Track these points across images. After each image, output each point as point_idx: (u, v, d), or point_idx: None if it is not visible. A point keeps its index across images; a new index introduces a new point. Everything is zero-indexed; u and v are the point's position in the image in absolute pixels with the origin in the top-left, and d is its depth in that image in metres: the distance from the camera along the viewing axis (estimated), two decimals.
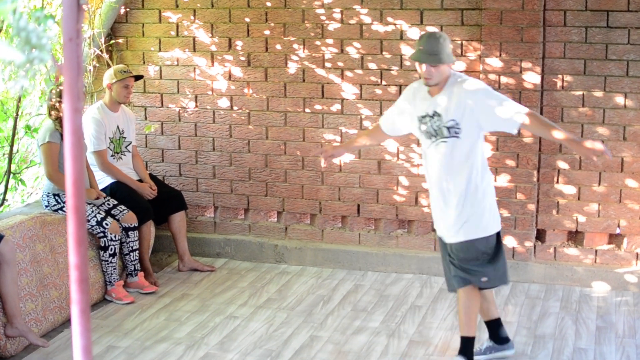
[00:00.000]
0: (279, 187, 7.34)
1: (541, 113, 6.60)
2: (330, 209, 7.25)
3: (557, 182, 6.68)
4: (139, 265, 6.66)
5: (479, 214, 4.88)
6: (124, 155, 6.86)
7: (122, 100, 6.75)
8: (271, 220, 7.49)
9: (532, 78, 6.54)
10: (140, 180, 6.89)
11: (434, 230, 6.93)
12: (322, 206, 7.27)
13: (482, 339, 5.43)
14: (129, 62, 7.48)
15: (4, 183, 7.07)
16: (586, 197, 6.66)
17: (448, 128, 4.81)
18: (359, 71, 6.99)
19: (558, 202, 6.71)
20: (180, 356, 5.43)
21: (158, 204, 6.88)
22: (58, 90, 6.11)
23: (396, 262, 7.04)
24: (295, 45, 7.11)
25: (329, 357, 5.41)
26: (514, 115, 4.74)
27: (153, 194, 6.84)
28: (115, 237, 6.35)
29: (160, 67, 7.47)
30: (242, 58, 7.26)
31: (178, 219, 7.04)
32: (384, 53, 6.91)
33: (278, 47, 7.16)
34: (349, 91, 7.04)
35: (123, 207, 6.53)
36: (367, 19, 6.91)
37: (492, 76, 6.57)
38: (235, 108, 7.35)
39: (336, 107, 7.09)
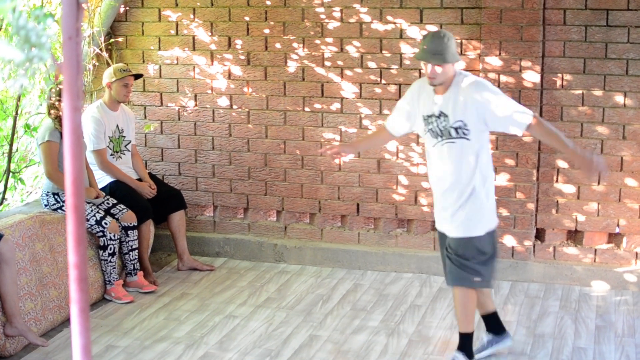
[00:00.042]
0: (279, 186, 7.33)
1: (541, 112, 6.60)
2: (329, 208, 7.25)
3: (557, 181, 6.68)
4: (138, 264, 6.66)
5: (481, 212, 4.89)
6: (124, 154, 6.86)
7: (122, 99, 6.75)
8: (270, 220, 7.49)
9: (531, 77, 6.54)
10: (140, 180, 6.89)
11: (433, 229, 6.95)
12: (321, 205, 7.26)
13: (481, 335, 5.42)
14: (128, 61, 7.48)
15: (3, 182, 7.06)
16: (585, 196, 6.66)
17: (455, 129, 4.80)
18: (359, 70, 6.99)
19: (557, 201, 6.71)
20: (180, 355, 5.43)
21: (157, 203, 6.88)
22: (57, 89, 6.11)
23: (395, 262, 7.04)
24: (295, 44, 7.11)
25: (328, 357, 5.40)
26: (520, 117, 4.75)
27: (152, 193, 6.84)
28: (114, 236, 6.35)
29: (160, 66, 7.47)
30: (242, 57, 7.25)
31: (177, 218, 7.03)
32: (383, 52, 6.91)
33: (278, 46, 7.15)
34: (349, 90, 7.03)
35: (122, 206, 6.53)
36: (366, 18, 6.91)
37: (492, 75, 6.56)
38: (234, 107, 7.35)
39: (336, 106, 7.08)
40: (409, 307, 6.26)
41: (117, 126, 6.79)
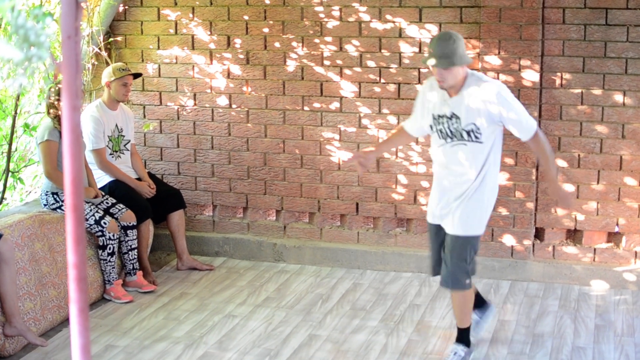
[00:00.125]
0: (278, 185, 7.33)
1: (540, 111, 6.60)
2: (329, 207, 7.24)
3: None
4: (137, 264, 6.66)
5: (482, 210, 4.90)
6: (123, 153, 6.85)
7: (121, 99, 6.74)
8: (270, 219, 7.49)
9: (531, 76, 6.54)
10: (139, 179, 6.88)
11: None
12: (320, 205, 7.26)
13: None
14: (127, 60, 7.48)
15: (2, 181, 7.06)
16: (585, 195, 6.66)
17: (467, 132, 4.77)
18: (358, 69, 6.98)
19: (557, 201, 6.70)
20: (179, 355, 5.43)
21: (157, 203, 6.87)
22: (57, 88, 6.11)
23: (395, 261, 7.03)
24: (294, 43, 7.10)
25: (328, 356, 5.40)
26: (529, 124, 4.77)
27: (152, 193, 6.83)
28: (113, 236, 6.34)
29: (159, 65, 7.46)
30: (241, 56, 7.25)
31: (177, 218, 7.03)
32: (382, 51, 6.90)
33: (277, 45, 7.15)
34: (348, 89, 7.03)
35: (122, 205, 6.53)
36: (365, 17, 6.90)
37: (491, 74, 6.56)
38: (234, 106, 7.34)
39: (335, 105, 7.08)
40: (408, 307, 6.25)
41: (117, 125, 6.79)
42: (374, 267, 7.09)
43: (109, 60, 7.29)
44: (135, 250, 6.61)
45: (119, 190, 6.66)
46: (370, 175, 7.08)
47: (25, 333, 5.34)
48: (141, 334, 5.78)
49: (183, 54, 7.38)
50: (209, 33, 7.30)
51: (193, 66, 7.38)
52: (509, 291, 6.53)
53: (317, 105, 7.13)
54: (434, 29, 6.75)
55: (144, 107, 7.57)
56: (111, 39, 7.46)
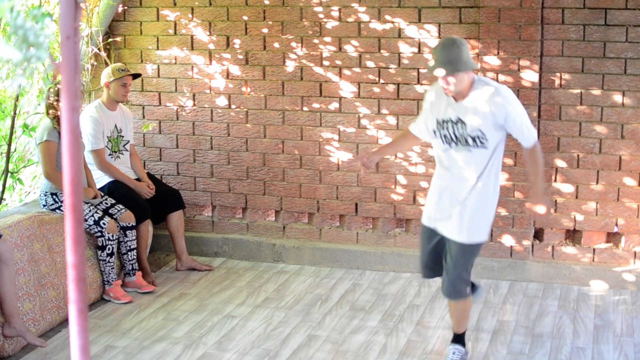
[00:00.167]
0: (277, 186, 7.33)
1: (539, 111, 6.60)
2: (328, 207, 7.24)
3: (555, 180, 6.68)
4: (136, 264, 6.66)
5: (486, 217, 4.87)
6: (122, 154, 6.85)
7: (120, 99, 6.74)
8: (269, 219, 7.49)
9: (530, 76, 6.54)
10: (138, 179, 6.88)
11: None
12: (320, 205, 7.26)
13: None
14: (126, 61, 7.47)
15: (1, 182, 7.05)
16: (584, 195, 6.66)
17: (473, 137, 4.72)
18: (357, 69, 6.98)
19: (556, 201, 6.71)
20: (178, 356, 5.43)
21: (156, 203, 6.87)
22: (56, 88, 6.11)
23: (394, 261, 7.03)
24: (293, 44, 7.10)
25: (327, 357, 5.40)
26: (531, 133, 4.76)
27: (151, 193, 6.83)
28: (112, 236, 6.34)
29: (158, 66, 7.46)
30: (240, 56, 7.25)
31: (176, 218, 7.03)
32: (382, 51, 6.90)
33: (276, 45, 7.15)
34: (347, 89, 7.03)
35: (121, 206, 6.53)
36: (365, 17, 6.90)
37: (490, 74, 6.56)
38: (233, 106, 7.34)
39: (334, 105, 7.08)
40: (408, 307, 6.25)
41: (116, 126, 6.79)
42: (373, 268, 7.08)
43: (108, 60, 7.29)
44: (135, 250, 6.61)
45: (118, 190, 6.66)
46: (370, 176, 7.08)
47: (24, 334, 5.34)
48: (140, 335, 5.78)
49: (182, 55, 7.38)
50: (208, 33, 7.29)
51: (192, 66, 7.38)
52: (508, 291, 6.54)
53: (316, 105, 7.13)
54: (433, 30, 6.75)
55: (143, 108, 7.57)
56: (110, 40, 7.46)
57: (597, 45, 6.47)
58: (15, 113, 6.98)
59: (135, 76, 6.85)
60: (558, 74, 6.57)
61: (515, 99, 4.77)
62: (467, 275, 4.96)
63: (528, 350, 5.48)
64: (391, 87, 6.93)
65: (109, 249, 6.35)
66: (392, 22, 6.85)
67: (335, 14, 6.97)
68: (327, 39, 7.01)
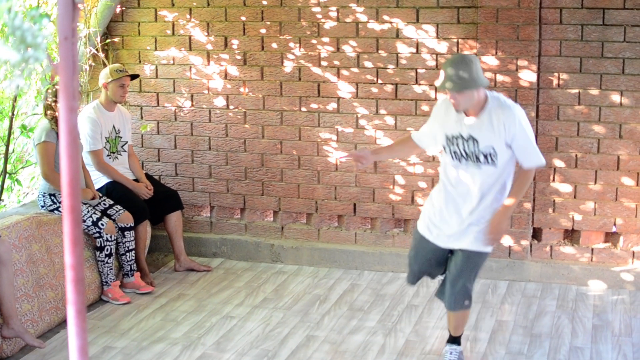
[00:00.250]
0: (275, 186, 7.33)
1: (537, 111, 6.61)
2: (326, 208, 7.24)
3: (553, 180, 6.68)
4: (135, 265, 6.66)
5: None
6: (120, 155, 6.85)
7: (118, 100, 6.74)
8: (267, 220, 7.48)
9: (528, 76, 6.54)
10: (137, 180, 6.88)
11: None
12: (318, 205, 7.26)
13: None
14: (124, 61, 7.47)
15: (0, 183, 7.05)
16: (582, 195, 6.66)
17: (485, 155, 4.67)
18: (355, 70, 6.98)
19: (554, 201, 6.71)
20: (177, 356, 5.42)
21: (154, 204, 6.87)
22: (54, 89, 6.10)
23: (392, 262, 7.03)
24: (291, 44, 7.10)
25: (326, 357, 5.40)
26: (535, 158, 4.72)
27: (149, 194, 6.83)
28: (111, 237, 6.34)
29: (156, 66, 7.46)
30: (238, 57, 7.25)
31: (174, 219, 7.03)
32: (380, 51, 6.90)
33: (274, 45, 7.15)
34: (345, 90, 7.03)
35: (119, 207, 6.52)
36: (363, 17, 6.90)
37: (488, 74, 6.56)
38: (231, 107, 7.34)
39: (332, 105, 7.08)
40: (406, 307, 6.26)
41: (114, 127, 6.78)
42: (371, 268, 7.08)
43: (106, 61, 7.29)
44: (133, 251, 6.61)
45: (116, 191, 6.66)
46: (368, 176, 7.08)
47: (22, 335, 5.33)
48: (139, 335, 5.77)
49: (180, 55, 7.38)
50: (206, 34, 7.29)
51: (190, 67, 7.37)
52: (507, 291, 6.54)
53: (314, 106, 7.13)
54: (431, 30, 6.76)
55: (141, 108, 7.56)
56: (108, 40, 7.45)
57: (595, 45, 6.47)
58: (13, 114, 6.97)
59: (134, 77, 6.85)
60: (556, 74, 6.57)
61: (526, 120, 4.71)
62: (471, 287, 4.94)
63: (526, 350, 5.48)
64: (389, 88, 6.93)
65: (107, 250, 6.34)
66: (390, 23, 6.85)
67: (333, 14, 6.97)
68: (325, 39, 7.02)
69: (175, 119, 7.48)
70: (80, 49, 7.13)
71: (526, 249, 6.76)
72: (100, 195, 6.52)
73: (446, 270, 5.03)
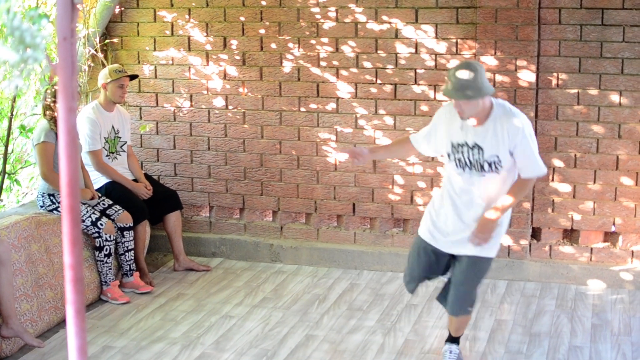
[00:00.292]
0: (274, 186, 7.33)
1: (536, 111, 6.61)
2: (325, 208, 7.24)
3: (552, 180, 6.69)
4: (134, 265, 6.66)
5: (498, 235, 4.83)
6: (119, 155, 6.85)
7: (117, 100, 6.74)
8: (266, 220, 7.49)
9: (527, 76, 6.54)
10: (136, 180, 6.88)
11: None
12: (317, 205, 7.26)
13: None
14: (123, 62, 7.47)
15: None
16: (581, 195, 6.66)
17: (489, 163, 4.65)
18: (354, 70, 6.99)
19: (553, 200, 6.72)
20: (176, 356, 5.43)
21: (153, 204, 6.87)
22: (53, 90, 6.10)
23: (392, 261, 7.04)
24: (290, 44, 7.11)
25: (325, 356, 5.40)
26: (534, 169, 4.69)
27: (148, 194, 6.83)
28: (110, 237, 6.34)
29: (155, 67, 7.46)
30: (237, 57, 7.25)
31: (173, 219, 7.03)
32: (379, 52, 6.91)
33: (273, 46, 7.15)
34: (344, 90, 7.03)
35: (118, 207, 6.53)
36: (362, 18, 6.91)
37: (487, 74, 6.55)
38: (230, 107, 7.34)
39: (331, 106, 7.08)
40: (405, 307, 6.26)
41: (113, 127, 6.79)
42: (370, 268, 7.09)
43: (105, 61, 7.29)
44: (132, 251, 6.61)
45: (115, 191, 6.66)
46: (367, 176, 7.09)
47: (22, 334, 5.34)
48: (138, 335, 5.78)
49: (179, 56, 7.38)
50: (205, 34, 7.30)
51: (189, 67, 7.38)
52: (506, 291, 6.54)
53: (313, 106, 7.13)
54: (430, 30, 6.76)
55: (140, 109, 7.56)
56: (107, 41, 7.45)
57: (594, 45, 6.47)
58: (12, 114, 6.98)
59: (133, 77, 6.85)
60: (555, 74, 6.58)
61: (531, 129, 4.69)
62: (475, 293, 4.94)
63: (526, 349, 5.48)
64: (388, 88, 6.93)
65: (106, 250, 6.35)
66: (389, 23, 6.85)
67: (332, 14, 6.97)
68: (324, 40, 7.02)
69: (175, 119, 7.49)
70: (79, 50, 7.13)
71: (525, 249, 6.77)
72: (100, 195, 6.52)
73: (448, 275, 5.01)
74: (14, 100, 7.01)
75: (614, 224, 6.63)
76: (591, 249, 6.70)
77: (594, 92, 6.52)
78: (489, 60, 6.59)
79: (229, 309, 6.25)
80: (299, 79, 7.13)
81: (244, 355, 5.42)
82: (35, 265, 5.79)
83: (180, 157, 7.53)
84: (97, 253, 6.36)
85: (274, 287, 6.74)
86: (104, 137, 6.71)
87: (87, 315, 5.92)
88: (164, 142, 7.54)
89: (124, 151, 6.89)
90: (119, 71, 6.69)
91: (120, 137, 6.84)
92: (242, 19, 7.19)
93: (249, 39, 7.20)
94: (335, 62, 7.02)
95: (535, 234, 6.85)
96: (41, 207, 6.30)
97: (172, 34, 7.37)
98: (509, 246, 6.77)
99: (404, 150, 5.27)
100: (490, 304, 6.27)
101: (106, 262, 6.38)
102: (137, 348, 5.56)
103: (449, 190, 4.86)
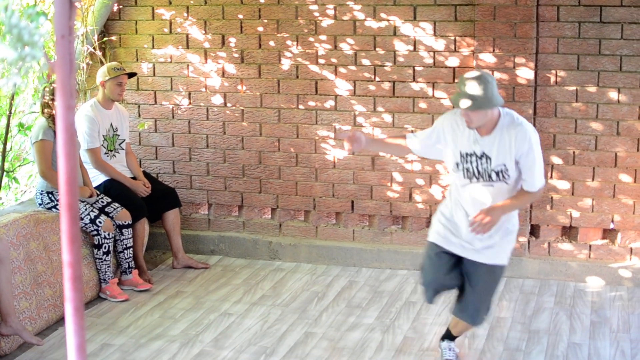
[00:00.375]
0: (273, 183, 7.33)
1: (535, 109, 6.61)
2: (324, 205, 7.25)
3: (551, 177, 6.69)
4: (133, 262, 6.66)
5: (510, 243, 4.82)
6: (118, 152, 6.85)
7: (116, 98, 6.74)
8: (265, 217, 7.49)
9: (525, 73, 6.54)
10: (134, 178, 6.88)
11: (428, 226, 6.95)
12: (316, 203, 7.26)
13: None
14: (122, 60, 7.47)
15: None
16: (580, 192, 6.67)
17: (497, 172, 4.64)
18: (353, 67, 6.99)
19: (552, 198, 6.72)
20: (175, 354, 5.43)
21: (152, 202, 6.87)
22: (51, 87, 6.10)
23: (390, 258, 7.04)
24: (289, 42, 7.10)
25: (324, 354, 5.41)
26: (538, 182, 4.66)
27: (147, 192, 6.83)
28: (108, 235, 6.34)
29: (154, 64, 7.46)
30: (236, 55, 7.25)
31: (172, 217, 7.03)
32: (377, 49, 6.91)
33: (271, 43, 7.15)
34: (343, 87, 7.03)
35: (117, 204, 6.52)
36: (360, 15, 6.91)
37: (486, 71, 6.56)
38: (228, 105, 7.34)
39: (330, 103, 7.08)
40: (404, 304, 6.26)
41: (111, 125, 6.79)
42: (369, 265, 7.09)
43: (103, 59, 7.29)
44: (131, 249, 6.61)
45: (114, 189, 6.66)
46: (366, 173, 7.09)
47: (21, 332, 5.34)
48: (137, 333, 5.78)
49: (178, 53, 7.38)
50: (203, 32, 7.29)
51: (188, 65, 7.37)
52: (505, 288, 6.54)
53: (312, 103, 7.13)
54: (428, 27, 6.76)
55: (139, 106, 7.56)
56: (105, 38, 7.45)
57: (592, 42, 6.47)
58: (10, 112, 6.97)
59: (131, 75, 6.85)
60: (553, 72, 6.58)
61: (537, 140, 4.66)
62: (492, 301, 4.94)
63: (525, 346, 5.48)
64: (387, 85, 6.93)
65: (105, 248, 6.35)
66: (388, 20, 6.85)
67: (331, 12, 6.97)
68: (323, 37, 7.02)
69: (173, 116, 7.48)
70: (77, 47, 7.13)
71: (524, 246, 6.77)
72: (98, 193, 6.52)
73: (463, 286, 4.95)
74: (12, 98, 7.00)
75: (612, 221, 6.63)
76: (590, 246, 6.71)
77: (592, 89, 6.52)
78: (488, 58, 6.59)
79: (227, 307, 6.25)
80: (297, 77, 7.13)
81: (243, 353, 5.42)
82: (34, 263, 5.79)
83: (178, 155, 7.53)
84: (95, 251, 6.36)
85: (272, 284, 6.74)
86: (103, 135, 6.71)
87: (85, 313, 5.92)
88: (162, 140, 7.54)
89: (123, 149, 6.89)
90: (118, 69, 6.68)
91: (118, 135, 6.84)
92: (241, 16, 7.19)
93: (247, 37, 7.20)
94: (333, 60, 7.02)
95: (534, 231, 6.86)
96: (40, 204, 6.30)
97: (171, 31, 7.37)
98: None
99: (399, 149, 5.20)
100: None
101: (105, 260, 6.38)
102: (135, 346, 5.56)
103: (458, 199, 4.83)
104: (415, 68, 6.83)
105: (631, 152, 6.52)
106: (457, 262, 4.89)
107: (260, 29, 7.15)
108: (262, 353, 5.41)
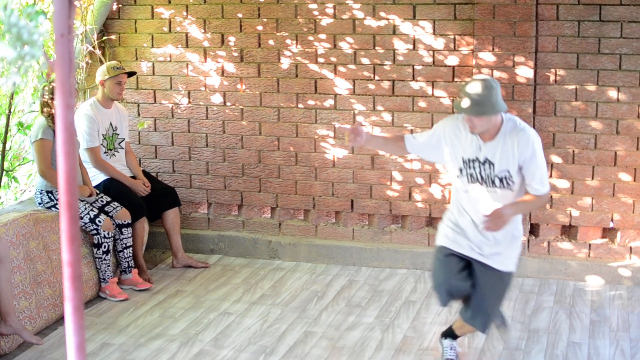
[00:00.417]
0: (273, 182, 7.33)
1: (534, 107, 6.61)
2: (324, 204, 7.24)
3: (551, 176, 6.68)
4: (132, 262, 6.66)
5: (513, 248, 4.81)
6: (117, 152, 6.85)
7: (115, 97, 6.74)
8: (265, 216, 7.49)
9: (525, 72, 6.54)
10: (134, 177, 6.88)
11: (427, 225, 6.96)
12: (315, 202, 7.26)
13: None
14: (121, 59, 7.47)
15: None
16: (580, 191, 6.67)
17: (500, 179, 4.62)
18: (352, 66, 6.99)
19: (551, 196, 6.71)
20: (175, 353, 5.43)
21: (151, 201, 6.87)
22: (50, 87, 6.10)
23: (390, 258, 7.04)
24: (288, 41, 7.10)
25: (323, 353, 5.41)
26: (542, 187, 4.64)
27: (146, 191, 6.83)
28: (108, 234, 6.33)
29: (153, 63, 7.46)
30: (235, 54, 7.25)
31: (172, 216, 7.03)
32: (376, 48, 6.90)
33: (271, 42, 7.15)
34: (342, 86, 7.03)
35: (116, 204, 6.52)
36: (359, 14, 6.90)
37: (485, 70, 6.57)
38: (228, 104, 7.34)
39: (329, 102, 7.08)
40: (404, 303, 6.26)
41: (111, 124, 6.78)
42: (369, 264, 7.09)
43: (102, 58, 7.29)
44: (131, 248, 6.61)
45: (113, 188, 6.66)
46: (365, 172, 7.09)
47: (20, 331, 5.33)
48: (137, 332, 5.77)
49: (177, 52, 7.38)
50: (202, 31, 7.29)
51: (187, 64, 7.37)
52: None
53: (311, 102, 7.13)
54: (427, 26, 6.76)
55: (138, 106, 7.56)
56: (105, 38, 7.45)
57: (591, 41, 6.47)
58: (10, 111, 6.96)
59: (130, 74, 6.84)
60: (553, 70, 6.58)
61: (540, 145, 4.65)
62: (500, 306, 4.93)
63: (524, 345, 5.48)
64: (386, 84, 6.93)
65: (104, 247, 6.34)
66: (387, 19, 6.85)
67: (330, 11, 6.97)
68: (322, 36, 7.01)
69: (173, 116, 7.48)
70: (76, 47, 7.13)
71: (524, 245, 6.76)
72: (98, 192, 6.51)
73: (473, 291, 4.91)
74: (11, 97, 6.99)
75: (612, 220, 6.63)
76: (589, 245, 6.71)
77: (591, 88, 6.52)
78: (487, 57, 6.59)
79: (227, 306, 6.25)
80: (296, 76, 7.13)
81: (243, 352, 5.42)
82: (34, 263, 5.78)
83: (178, 154, 7.52)
84: (95, 250, 6.36)
85: (272, 283, 6.74)
86: (102, 134, 6.71)
87: (85, 313, 5.92)
88: (162, 139, 7.54)
89: (122, 148, 6.89)
90: (117, 68, 6.68)
91: (118, 134, 6.84)
92: (240, 15, 7.18)
93: (246, 36, 7.20)
94: (333, 59, 7.01)
95: (534, 230, 6.86)
96: (39, 204, 6.30)
97: (170, 30, 7.37)
98: None
99: (397, 149, 5.15)
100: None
101: (104, 259, 6.37)
102: (135, 345, 5.56)
103: (462, 206, 4.82)
104: (415, 67, 6.83)
105: (631, 151, 6.52)
106: (467, 266, 4.84)
107: (260, 28, 7.15)
108: (261, 352, 5.41)
